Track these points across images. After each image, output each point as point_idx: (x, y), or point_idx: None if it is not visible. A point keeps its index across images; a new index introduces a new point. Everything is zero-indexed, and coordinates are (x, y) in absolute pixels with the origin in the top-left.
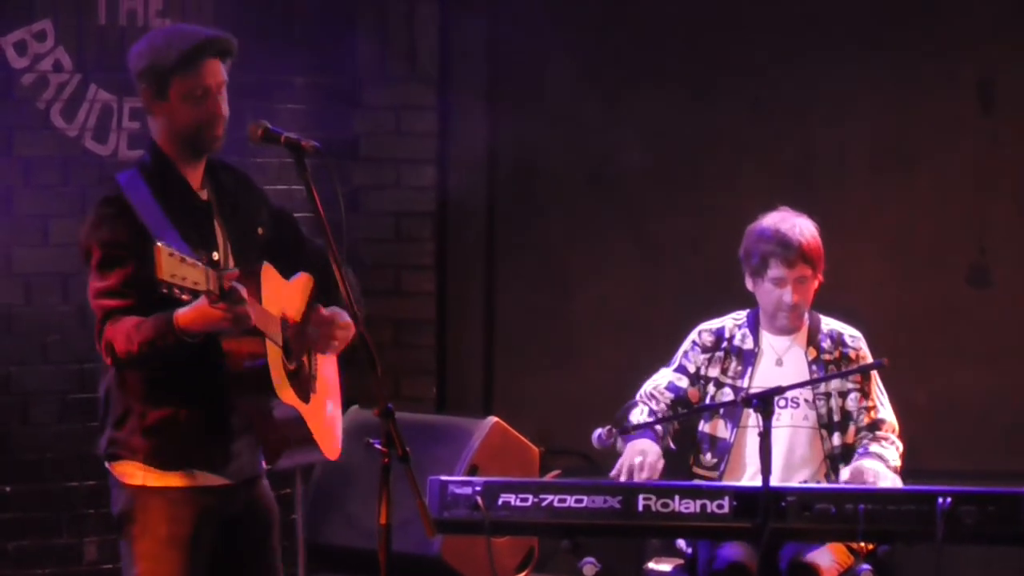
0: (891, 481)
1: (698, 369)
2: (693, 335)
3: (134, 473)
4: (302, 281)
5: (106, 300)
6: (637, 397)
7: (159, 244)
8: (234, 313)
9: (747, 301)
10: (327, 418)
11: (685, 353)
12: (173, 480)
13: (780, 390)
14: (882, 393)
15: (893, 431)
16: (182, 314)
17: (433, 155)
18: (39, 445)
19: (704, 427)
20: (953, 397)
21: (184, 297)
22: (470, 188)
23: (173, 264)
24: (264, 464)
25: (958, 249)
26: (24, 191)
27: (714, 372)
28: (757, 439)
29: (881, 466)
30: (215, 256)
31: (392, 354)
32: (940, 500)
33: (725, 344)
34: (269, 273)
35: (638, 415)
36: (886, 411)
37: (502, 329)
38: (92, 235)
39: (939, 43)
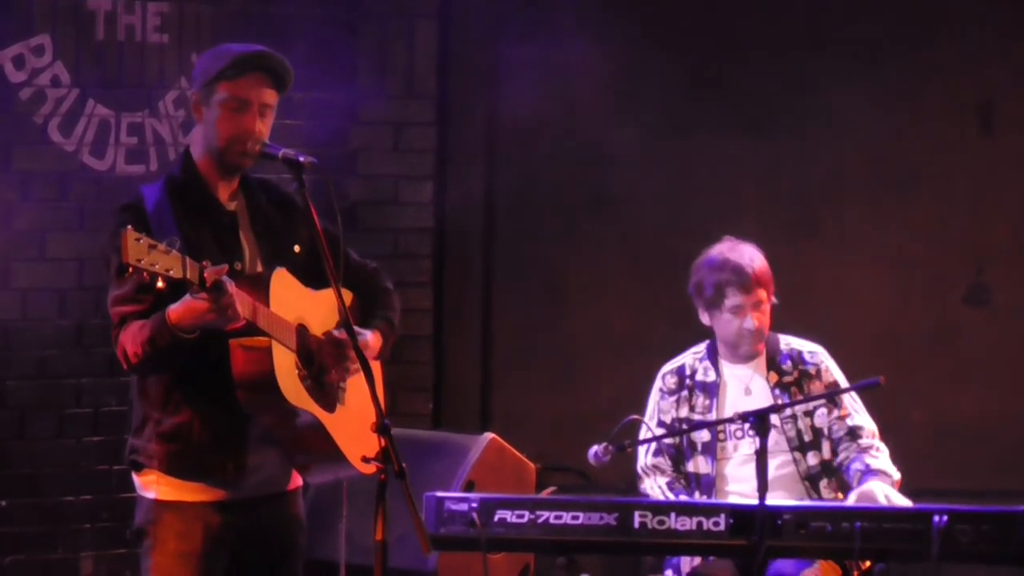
0: (902, 502)
1: (672, 417)
2: (657, 381)
3: (151, 485)
4: (332, 295)
5: (121, 307)
6: (640, 469)
7: (125, 229)
8: (218, 305)
9: None
10: (359, 432)
11: (657, 405)
12: (186, 495)
13: (777, 408)
14: (856, 400)
15: (874, 436)
16: (173, 309)
17: (431, 171)
18: (36, 460)
19: (689, 467)
20: (950, 416)
21: (159, 285)
22: (468, 205)
23: (140, 249)
24: (299, 480)
25: (956, 269)
26: (21, 206)
27: (684, 412)
28: (736, 469)
29: (891, 489)
30: (238, 266)
31: (389, 370)
32: (936, 518)
33: (688, 382)
34: (283, 279)
35: (656, 492)
36: (862, 416)
37: (499, 346)
38: (109, 243)
39: (939, 65)
